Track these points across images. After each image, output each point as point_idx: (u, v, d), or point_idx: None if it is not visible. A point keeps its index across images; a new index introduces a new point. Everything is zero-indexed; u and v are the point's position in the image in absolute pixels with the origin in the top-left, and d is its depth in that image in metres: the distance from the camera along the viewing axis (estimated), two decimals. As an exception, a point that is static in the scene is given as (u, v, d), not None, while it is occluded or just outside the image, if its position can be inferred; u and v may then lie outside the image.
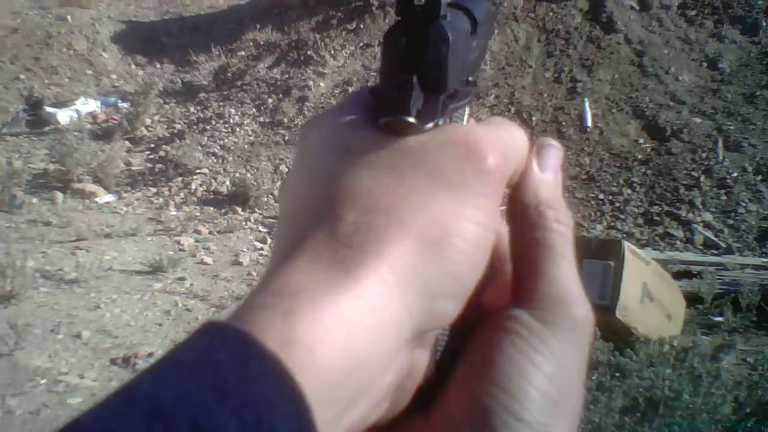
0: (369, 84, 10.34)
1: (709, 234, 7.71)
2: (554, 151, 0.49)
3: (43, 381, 5.07)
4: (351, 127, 0.44)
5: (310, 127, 0.47)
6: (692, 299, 6.21)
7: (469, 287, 0.42)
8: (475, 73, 0.51)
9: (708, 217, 7.97)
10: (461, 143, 0.42)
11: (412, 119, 0.42)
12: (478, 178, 0.42)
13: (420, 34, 0.43)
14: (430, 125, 0.43)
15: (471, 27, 0.48)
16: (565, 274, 0.44)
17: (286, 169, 9.53)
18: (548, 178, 0.48)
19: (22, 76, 11.71)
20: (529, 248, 0.45)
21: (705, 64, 10.63)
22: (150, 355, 5.45)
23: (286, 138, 10.09)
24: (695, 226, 7.82)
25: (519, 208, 0.46)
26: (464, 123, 0.47)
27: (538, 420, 0.40)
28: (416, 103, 0.42)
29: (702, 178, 8.52)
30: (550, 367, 0.41)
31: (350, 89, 10.79)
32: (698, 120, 9.44)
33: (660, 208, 8.18)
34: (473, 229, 0.41)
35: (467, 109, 0.47)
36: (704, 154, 8.86)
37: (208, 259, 7.54)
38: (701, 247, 7.57)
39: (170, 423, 0.29)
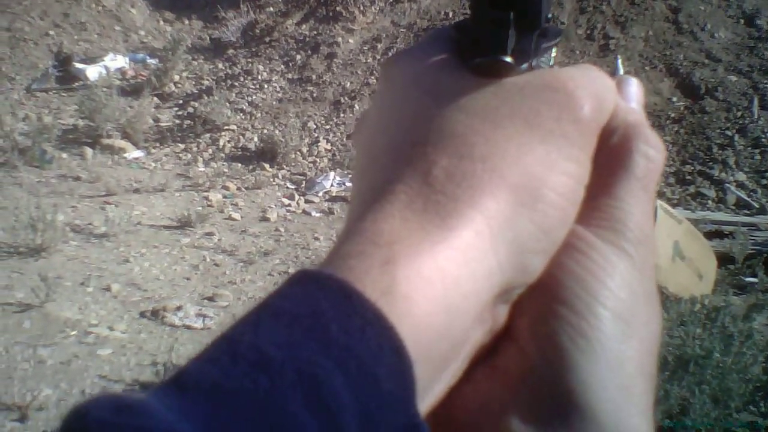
0: (399, 40, 10.22)
1: (742, 194, 7.61)
2: (635, 87, 0.47)
3: (74, 332, 5.14)
4: (441, 67, 0.42)
5: (393, 65, 0.45)
6: (724, 259, 6.14)
7: (558, 243, 0.39)
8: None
9: (741, 176, 7.86)
10: (560, 89, 0.40)
11: (509, 59, 0.40)
12: (575, 127, 0.40)
13: None
14: (524, 66, 0.41)
15: None
16: (633, 197, 0.42)
17: (314, 126, 9.51)
18: (634, 107, 0.45)
19: (51, 32, 11.72)
20: (606, 166, 0.42)
21: (742, 21, 10.38)
22: (179, 308, 5.50)
23: (314, 95, 10.05)
24: (728, 185, 7.72)
25: (604, 137, 0.43)
26: (552, 65, 0.44)
27: (608, 337, 0.37)
28: (511, 41, 0.40)
29: (736, 137, 8.38)
30: (615, 284, 0.39)
31: (379, 46, 10.71)
32: (734, 78, 9.26)
33: (692, 168, 8.08)
34: (566, 182, 0.39)
35: (554, 50, 0.45)
36: (739, 113, 8.71)
37: (236, 215, 7.58)
38: (733, 207, 7.48)
39: (276, 374, 0.28)
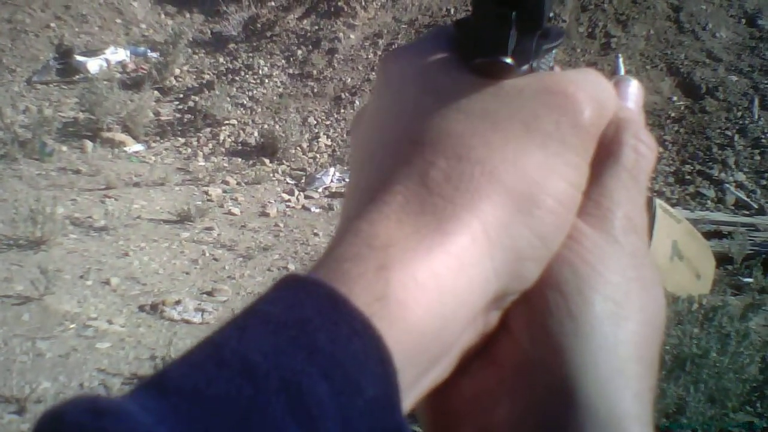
0: (400, 36, 10.20)
1: (741, 194, 7.61)
2: (634, 87, 0.47)
3: (73, 326, 5.15)
4: (441, 66, 0.42)
5: (391, 61, 0.45)
6: (722, 259, 6.14)
7: (554, 249, 0.39)
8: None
9: (741, 177, 7.86)
10: (560, 93, 0.40)
11: (509, 60, 0.39)
12: (574, 132, 0.40)
13: None
14: (525, 68, 0.40)
15: None
16: (621, 186, 0.42)
17: (315, 122, 9.51)
18: (630, 106, 0.45)
19: (52, 24, 11.70)
20: (597, 160, 0.42)
21: (743, 21, 10.37)
22: (177, 302, 5.51)
23: (315, 90, 10.05)
24: (727, 186, 7.72)
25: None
26: (552, 67, 0.44)
27: (599, 320, 0.38)
28: (512, 42, 0.39)
29: (736, 137, 8.39)
30: (606, 268, 0.39)
31: (380, 42, 10.70)
32: (734, 78, 9.26)
33: (692, 167, 8.08)
34: (564, 188, 0.39)
35: (554, 52, 0.44)
36: (739, 113, 8.71)
37: (236, 210, 7.58)
38: (732, 208, 7.48)
39: (260, 382, 0.28)
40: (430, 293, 0.34)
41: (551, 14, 0.47)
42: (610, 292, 0.38)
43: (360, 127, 0.45)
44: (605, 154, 0.42)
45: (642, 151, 0.43)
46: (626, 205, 0.41)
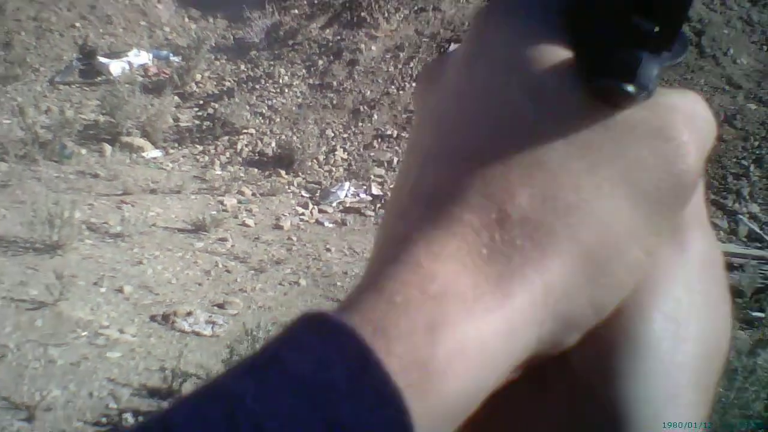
0: (421, 50, 10.15)
1: (755, 226, 7.59)
2: None
3: (85, 333, 5.21)
4: (548, 66, 0.35)
5: (499, 22, 0.37)
6: (732, 292, 6.09)
7: (601, 319, 0.34)
8: None
9: (755, 208, 7.83)
10: (672, 139, 0.34)
11: (633, 89, 0.33)
12: (674, 191, 0.34)
13: None
14: (643, 95, 0.33)
15: None
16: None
17: (332, 134, 9.54)
18: None
19: (77, 24, 11.81)
20: None
21: (765, 48, 10.34)
22: (189, 314, 5.57)
23: (334, 102, 10.09)
24: (740, 217, 7.70)
25: None
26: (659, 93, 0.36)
27: (657, 340, 0.34)
28: (647, 69, 0.33)
29: (752, 167, 8.35)
30: (668, 282, 0.35)
31: (401, 55, 10.73)
32: (753, 106, 9.23)
33: (706, 197, 8.02)
34: (640, 259, 0.34)
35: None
36: (756, 143, 8.67)
37: (250, 221, 7.62)
38: (745, 239, 7.45)
39: None
40: (472, 363, 0.30)
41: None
42: (672, 310, 0.35)
43: (433, 89, 0.39)
44: None
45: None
46: (694, 204, 0.37)
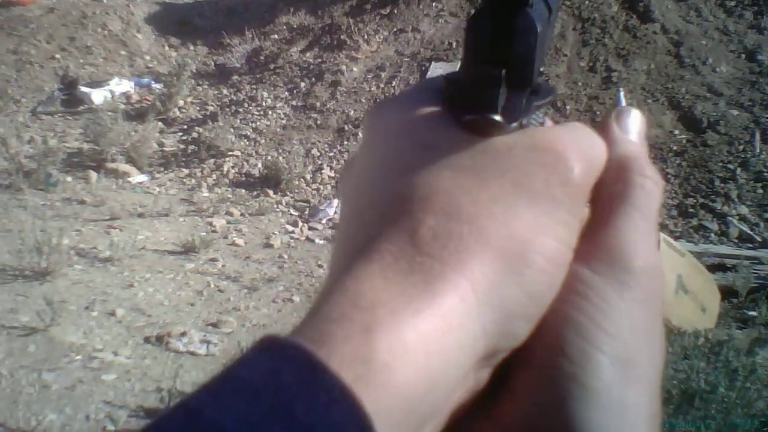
0: (402, 69, 10.26)
1: (745, 227, 7.63)
2: (635, 118, 0.46)
3: (78, 357, 5.13)
4: (429, 121, 0.41)
5: (379, 113, 0.44)
6: (727, 293, 6.15)
7: (544, 307, 0.38)
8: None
9: (744, 210, 7.88)
10: (548, 150, 0.39)
11: (499, 118, 0.39)
12: (564, 190, 0.39)
13: (506, 22, 0.40)
14: (515, 125, 0.40)
15: (548, 15, 0.44)
16: (633, 226, 0.41)
17: (318, 153, 9.55)
18: (632, 139, 0.45)
19: (57, 56, 11.81)
20: (604, 202, 0.42)
21: (743, 56, 10.47)
22: (183, 334, 5.50)
23: (318, 122, 10.10)
24: (730, 219, 7.75)
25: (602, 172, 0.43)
26: (543, 122, 0.44)
27: (608, 385, 0.36)
28: (502, 99, 0.39)
29: (738, 170, 8.42)
30: (615, 326, 0.38)
31: (383, 74, 10.78)
32: (735, 112, 9.32)
33: (695, 201, 8.11)
34: (555, 246, 0.38)
35: (544, 109, 0.44)
36: (741, 147, 8.75)
37: (240, 241, 7.58)
38: (736, 241, 7.49)
39: None
40: (416, 355, 0.32)
41: (541, 70, 0.45)
42: (619, 352, 0.37)
43: (348, 181, 0.44)
44: (611, 195, 0.42)
45: (648, 187, 0.42)
46: (641, 245, 0.40)
